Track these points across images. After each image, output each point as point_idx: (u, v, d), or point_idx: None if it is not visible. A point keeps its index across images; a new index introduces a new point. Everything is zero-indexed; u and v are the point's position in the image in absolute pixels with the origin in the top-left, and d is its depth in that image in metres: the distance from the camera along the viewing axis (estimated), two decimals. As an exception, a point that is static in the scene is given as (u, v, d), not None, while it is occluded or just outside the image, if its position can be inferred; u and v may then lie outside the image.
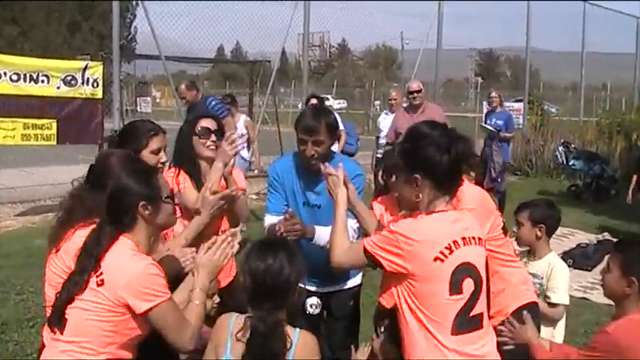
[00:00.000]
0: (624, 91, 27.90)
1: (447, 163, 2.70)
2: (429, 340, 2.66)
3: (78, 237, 2.85)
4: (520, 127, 18.26)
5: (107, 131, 10.65)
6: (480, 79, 48.87)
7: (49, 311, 2.78)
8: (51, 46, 39.80)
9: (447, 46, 16.09)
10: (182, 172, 4.05)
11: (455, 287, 2.65)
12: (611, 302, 6.68)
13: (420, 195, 2.74)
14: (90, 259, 2.66)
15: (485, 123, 11.69)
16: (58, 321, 2.69)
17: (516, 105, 19.59)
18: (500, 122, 11.36)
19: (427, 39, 15.31)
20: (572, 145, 15.16)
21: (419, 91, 8.84)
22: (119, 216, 2.75)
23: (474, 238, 2.75)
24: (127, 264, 2.66)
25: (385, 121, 9.91)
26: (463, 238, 2.70)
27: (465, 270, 2.67)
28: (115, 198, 2.77)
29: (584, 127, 19.03)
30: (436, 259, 2.63)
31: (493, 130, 11.23)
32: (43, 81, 10.13)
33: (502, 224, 3.68)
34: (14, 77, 9.93)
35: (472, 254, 2.72)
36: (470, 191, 3.41)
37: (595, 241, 9.47)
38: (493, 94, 12.13)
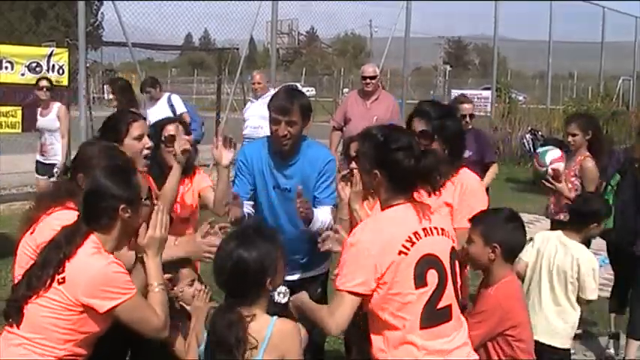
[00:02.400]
0: (590, 79, 28.25)
1: (411, 173, 2.69)
2: (398, 340, 2.64)
3: (54, 219, 2.82)
4: (488, 114, 18.41)
5: (73, 119, 10.56)
6: (448, 67, 49.07)
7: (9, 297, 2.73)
8: (15, 33, 39.12)
9: (416, 34, 16.12)
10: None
11: (420, 280, 2.63)
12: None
13: (377, 189, 2.77)
14: (57, 254, 2.60)
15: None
16: (15, 314, 2.64)
17: (484, 93, 19.74)
18: None
19: (395, 27, 15.32)
20: (540, 133, 15.31)
21: (374, 77, 7.99)
22: (97, 217, 2.70)
23: (435, 228, 2.74)
24: (88, 264, 2.61)
25: (251, 110, 9.03)
26: (424, 229, 2.69)
27: (428, 262, 2.66)
28: (94, 199, 2.70)
29: (551, 114, 19.21)
30: (400, 252, 2.61)
31: None
32: (7, 67, 9.97)
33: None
34: (-23, 63, 9.76)
35: (435, 245, 2.70)
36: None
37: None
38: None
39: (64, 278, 2.58)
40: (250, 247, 2.61)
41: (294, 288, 4.07)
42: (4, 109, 10.07)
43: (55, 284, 2.58)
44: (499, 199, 6.57)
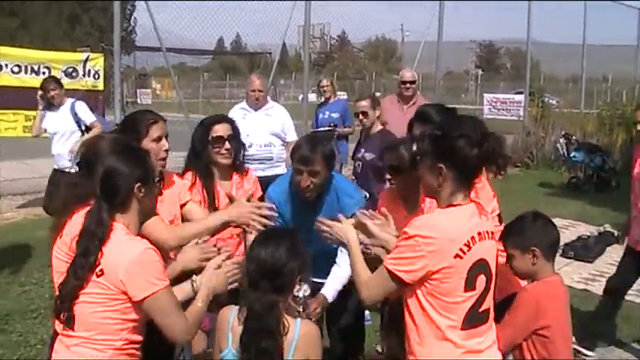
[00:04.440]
0: (625, 83, 27.85)
1: (475, 158, 2.66)
2: (438, 337, 2.65)
3: (78, 217, 2.80)
4: (521, 119, 18.26)
5: (108, 123, 10.69)
6: (480, 72, 48.79)
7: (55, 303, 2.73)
8: (50, 39, 39.70)
9: (448, 38, 16.05)
10: (197, 180, 4.08)
11: (469, 284, 2.63)
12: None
13: (442, 185, 2.70)
14: (93, 241, 2.60)
15: (318, 119, 9.98)
16: (66, 316, 2.65)
17: (517, 97, 19.59)
18: (335, 116, 9.82)
19: (427, 31, 15.28)
20: (573, 137, 15.15)
21: (413, 82, 8.11)
22: (114, 197, 2.68)
23: (487, 232, 2.73)
24: (124, 249, 2.61)
25: (251, 124, 6.78)
26: (479, 233, 2.67)
27: (480, 267, 2.66)
28: (111, 179, 2.69)
29: (584, 119, 19.01)
30: (456, 256, 2.59)
31: (327, 129, 9.48)
32: (44, 73, 10.12)
33: (498, 212, 3.72)
34: (15, 69, 9.95)
35: (486, 250, 2.70)
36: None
37: (596, 233, 9.48)
38: (324, 82, 10.18)
39: (101, 270, 2.58)
40: (288, 244, 2.75)
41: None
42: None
43: (93, 277, 2.59)
44: (532, 204, 6.53)
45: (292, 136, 7.12)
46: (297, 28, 14.49)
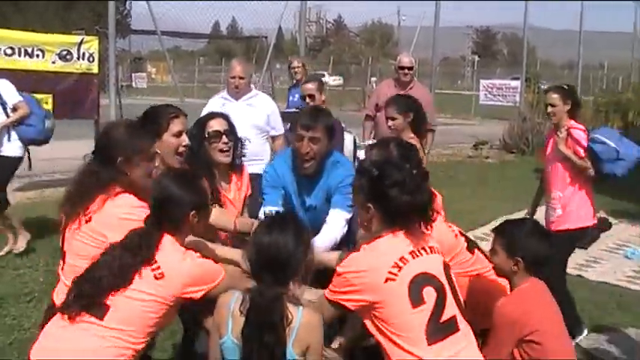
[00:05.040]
0: (621, 70, 27.87)
1: (406, 206, 2.76)
2: (405, 355, 2.67)
3: (111, 207, 2.93)
4: (517, 104, 18.25)
5: (102, 107, 10.64)
6: (476, 57, 48.70)
7: (82, 288, 2.71)
8: (45, 22, 39.43)
9: (444, 23, 16.00)
10: None
11: (416, 299, 2.68)
12: (606, 280, 6.77)
13: (370, 222, 2.84)
14: (134, 259, 2.70)
15: (288, 101, 9.17)
16: (99, 305, 2.66)
17: (513, 83, 19.59)
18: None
19: (424, 15, 15.24)
20: (570, 124, 15.12)
21: (411, 68, 7.94)
22: (169, 222, 2.82)
23: (423, 248, 2.80)
24: (181, 264, 2.75)
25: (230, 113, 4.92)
26: (411, 252, 2.76)
27: (422, 280, 2.72)
28: (167, 206, 2.81)
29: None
30: (387, 280, 2.68)
31: (294, 111, 8.36)
32: (38, 55, 10.04)
33: (465, 245, 3.62)
34: (8, 51, 9.85)
35: (425, 264, 2.77)
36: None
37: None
38: (295, 62, 9.41)
39: (162, 274, 2.69)
40: (292, 233, 2.72)
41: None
42: (35, 96, 10.15)
43: (151, 279, 2.68)
44: (528, 190, 6.54)
45: (279, 129, 6.58)
46: (293, 12, 14.43)
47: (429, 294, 2.71)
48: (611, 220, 9.34)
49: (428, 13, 15.01)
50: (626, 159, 5.29)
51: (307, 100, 6.19)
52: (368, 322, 2.78)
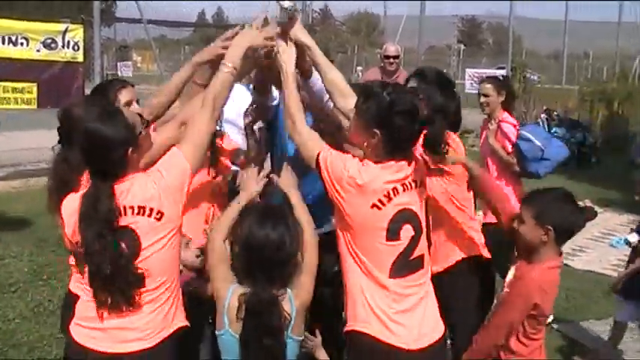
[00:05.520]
0: (606, 59, 27.99)
1: (410, 136, 2.72)
2: (368, 282, 2.70)
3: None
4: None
5: (88, 95, 10.56)
6: (462, 46, 48.69)
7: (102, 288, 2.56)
8: (29, 10, 39.06)
9: (430, 12, 16.00)
10: None
11: (392, 234, 2.68)
12: (592, 268, 6.81)
13: (373, 149, 2.71)
14: (106, 226, 2.51)
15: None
16: (133, 279, 2.54)
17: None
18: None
19: (409, 4, 15.23)
20: (555, 113, 15.21)
21: (397, 57, 7.95)
22: (112, 169, 2.57)
23: (415, 181, 2.76)
24: (161, 183, 2.60)
25: None
26: (403, 184, 2.70)
27: (404, 216, 2.70)
28: (102, 152, 2.55)
29: (566, 95, 19.07)
30: (373, 205, 2.65)
31: None
32: (22, 44, 9.94)
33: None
34: (-9, 39, 9.76)
35: (411, 198, 2.73)
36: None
37: (576, 208, 9.53)
38: None
39: (159, 212, 2.57)
40: (284, 227, 2.63)
41: None
42: (19, 85, 10.06)
43: (156, 224, 2.57)
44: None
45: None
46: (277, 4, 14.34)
47: (407, 232, 2.71)
48: (596, 208, 9.33)
49: (413, 2, 14.93)
50: (550, 159, 5.23)
51: None
52: (341, 236, 2.77)
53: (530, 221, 3.05)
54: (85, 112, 2.86)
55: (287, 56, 3.07)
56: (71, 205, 2.59)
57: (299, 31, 3.13)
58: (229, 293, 2.63)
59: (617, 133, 15.73)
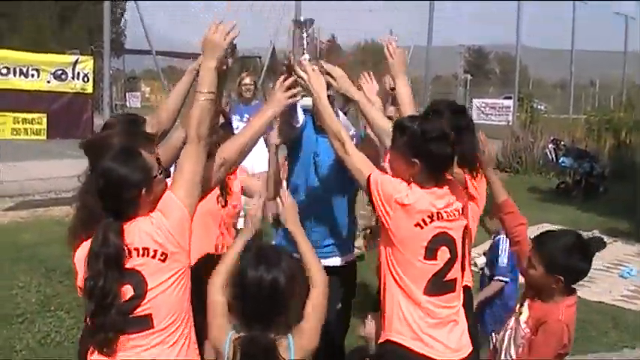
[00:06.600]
0: (612, 88, 28.00)
1: (449, 157, 2.96)
2: (404, 296, 2.92)
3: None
4: (509, 124, 18.31)
5: (97, 127, 10.63)
6: (469, 76, 48.76)
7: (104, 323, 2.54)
8: (40, 39, 39.47)
9: (437, 42, 16.11)
10: None
11: (430, 253, 2.90)
12: (602, 299, 6.74)
13: (415, 177, 2.93)
14: (116, 263, 2.51)
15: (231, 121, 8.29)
16: (139, 319, 2.54)
17: (506, 102, 19.65)
18: None
19: (416, 36, 15.33)
20: (562, 143, 15.19)
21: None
22: (122, 208, 2.59)
23: (457, 210, 2.97)
24: (162, 223, 2.60)
25: None
26: (446, 211, 2.93)
27: (442, 239, 2.91)
28: (112, 192, 2.58)
29: (573, 124, 19.08)
30: (417, 224, 2.87)
31: None
32: (33, 75, 10.07)
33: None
34: (4, 71, 9.89)
35: (452, 226, 2.95)
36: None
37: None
38: (247, 79, 8.40)
39: (163, 254, 2.56)
40: (282, 269, 2.53)
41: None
42: (29, 115, 10.17)
43: (160, 264, 2.56)
44: (521, 209, 6.50)
45: (261, 166, 5.66)
46: (287, 32, 14.48)
47: (444, 254, 2.92)
48: (605, 239, 9.32)
49: (420, 34, 15.04)
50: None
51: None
52: (383, 251, 2.99)
53: (541, 269, 3.17)
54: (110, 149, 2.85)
55: (318, 85, 3.24)
56: (83, 252, 2.60)
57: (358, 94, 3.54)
58: (227, 342, 2.57)
59: (625, 162, 15.70)
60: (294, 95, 3.27)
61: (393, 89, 5.92)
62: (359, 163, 3.07)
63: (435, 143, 2.89)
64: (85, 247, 2.61)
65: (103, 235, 2.53)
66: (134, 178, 2.58)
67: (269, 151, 4.06)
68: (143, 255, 2.56)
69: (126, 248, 2.53)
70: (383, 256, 3.00)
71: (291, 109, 3.65)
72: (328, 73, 3.38)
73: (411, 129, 2.96)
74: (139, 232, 2.57)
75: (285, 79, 3.28)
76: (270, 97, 3.35)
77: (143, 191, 2.60)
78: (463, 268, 3.10)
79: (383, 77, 4.15)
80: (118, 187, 2.57)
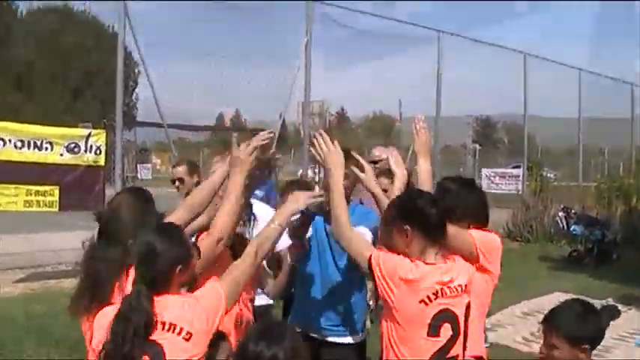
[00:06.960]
0: (621, 155, 28.06)
1: (435, 215, 2.95)
2: None
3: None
4: (519, 192, 18.32)
5: (108, 198, 10.71)
6: (477, 146, 48.99)
7: None
8: (54, 112, 40.09)
9: (445, 113, 16.31)
10: None
11: (433, 330, 2.88)
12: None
13: (411, 245, 2.94)
14: (140, 330, 2.53)
15: None
16: None
17: (515, 171, 19.71)
18: (259, 194, 6.02)
19: (425, 107, 15.52)
20: (572, 211, 15.19)
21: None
22: (155, 279, 2.63)
23: (460, 286, 2.96)
24: (196, 309, 2.64)
25: None
26: (449, 288, 2.91)
27: (445, 316, 2.90)
28: (151, 261, 2.63)
29: (583, 192, 19.08)
30: (421, 301, 2.85)
31: None
32: (46, 148, 10.23)
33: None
34: (18, 144, 10.04)
35: (455, 302, 2.94)
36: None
37: (599, 307, 9.37)
38: None
39: (189, 333, 2.58)
40: (283, 347, 2.47)
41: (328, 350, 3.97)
42: (42, 188, 10.28)
43: (183, 344, 2.56)
44: (534, 278, 6.52)
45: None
46: (296, 104, 14.68)
47: (446, 330, 2.91)
48: (619, 307, 9.24)
49: (429, 104, 15.25)
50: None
51: (177, 182, 5.89)
52: (385, 326, 2.98)
53: (565, 346, 3.08)
54: (135, 211, 3.07)
55: (334, 161, 3.28)
56: (106, 319, 2.60)
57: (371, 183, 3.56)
58: None
59: (637, 228, 15.62)
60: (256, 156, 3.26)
61: (376, 162, 6.06)
62: (358, 244, 3.08)
63: (422, 201, 2.96)
64: (107, 311, 2.63)
65: (136, 300, 2.55)
66: (171, 254, 2.66)
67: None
68: (169, 330, 2.57)
69: (155, 318, 2.55)
70: (385, 331, 3.00)
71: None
72: (357, 166, 3.51)
73: (398, 198, 3.10)
74: (168, 306, 2.60)
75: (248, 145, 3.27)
76: (233, 160, 3.27)
77: (178, 269, 2.66)
78: (465, 346, 3.07)
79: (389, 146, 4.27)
80: (155, 257, 2.63)
